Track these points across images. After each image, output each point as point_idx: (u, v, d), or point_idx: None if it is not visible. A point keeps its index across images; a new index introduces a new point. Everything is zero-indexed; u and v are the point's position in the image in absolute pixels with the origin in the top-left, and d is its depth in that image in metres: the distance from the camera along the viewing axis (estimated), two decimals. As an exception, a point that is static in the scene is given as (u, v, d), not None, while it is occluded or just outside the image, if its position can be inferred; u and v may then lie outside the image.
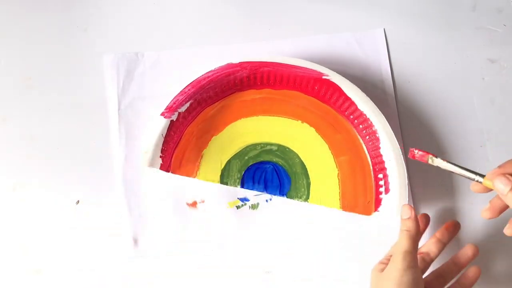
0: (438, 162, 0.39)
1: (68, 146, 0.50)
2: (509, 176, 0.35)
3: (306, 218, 0.49)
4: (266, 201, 0.49)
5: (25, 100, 0.51)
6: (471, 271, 0.44)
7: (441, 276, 0.44)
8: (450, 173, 0.40)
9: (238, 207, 0.49)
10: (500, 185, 0.35)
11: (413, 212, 0.42)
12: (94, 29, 0.53)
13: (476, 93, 0.53)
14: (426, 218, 0.47)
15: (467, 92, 0.53)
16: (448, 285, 0.44)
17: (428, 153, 0.40)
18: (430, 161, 0.40)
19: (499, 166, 0.36)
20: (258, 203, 0.49)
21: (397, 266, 0.38)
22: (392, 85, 0.52)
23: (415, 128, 0.52)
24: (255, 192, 0.49)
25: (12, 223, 0.48)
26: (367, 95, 0.48)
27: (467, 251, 0.45)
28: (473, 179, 0.37)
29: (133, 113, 0.51)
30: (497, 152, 0.51)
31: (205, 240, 0.48)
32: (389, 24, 0.54)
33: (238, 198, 0.49)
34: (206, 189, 0.49)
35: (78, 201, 0.49)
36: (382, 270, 0.40)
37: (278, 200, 0.49)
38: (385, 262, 0.42)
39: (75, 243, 0.48)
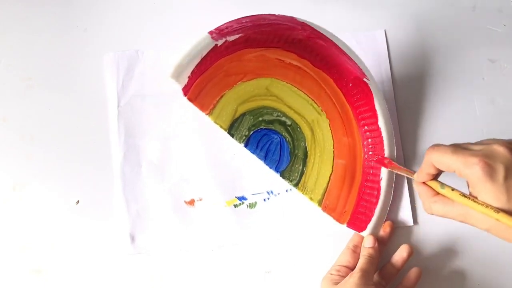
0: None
1: (68, 146, 0.50)
2: (418, 187, 0.40)
3: (304, 218, 0.49)
4: (264, 200, 0.49)
5: (25, 100, 0.51)
6: (413, 272, 0.46)
7: (382, 279, 0.46)
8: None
9: (235, 205, 0.49)
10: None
11: (376, 243, 0.45)
12: (94, 29, 0.53)
13: (476, 93, 0.53)
14: (390, 226, 0.48)
15: (467, 92, 0.53)
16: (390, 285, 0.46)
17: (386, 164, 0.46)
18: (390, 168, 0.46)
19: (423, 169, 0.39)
20: (256, 202, 0.49)
21: (356, 281, 0.41)
22: (392, 86, 0.52)
23: (415, 128, 0.52)
24: (253, 191, 0.49)
25: (12, 223, 0.48)
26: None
27: (402, 252, 0.47)
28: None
29: (132, 111, 0.51)
30: (497, 152, 0.51)
31: (203, 239, 0.48)
32: (390, 25, 0.54)
33: (236, 197, 0.49)
34: (204, 188, 0.49)
35: (78, 201, 0.49)
36: (336, 282, 0.43)
37: (276, 199, 0.49)
38: (336, 273, 0.44)
39: (75, 243, 0.48)
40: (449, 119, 0.52)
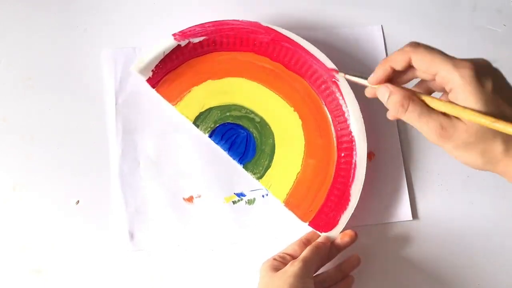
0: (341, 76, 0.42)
1: (68, 146, 0.50)
2: (389, 85, 0.35)
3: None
4: (263, 196, 0.50)
5: (25, 100, 0.51)
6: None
7: (324, 281, 0.45)
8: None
9: (234, 202, 0.49)
10: (380, 94, 0.36)
11: (328, 244, 0.45)
12: (94, 30, 0.53)
13: (476, 93, 0.53)
14: (350, 236, 0.46)
15: (467, 92, 0.53)
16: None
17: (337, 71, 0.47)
18: (340, 76, 0.45)
19: (384, 62, 0.35)
20: (254, 198, 0.49)
21: (296, 271, 0.40)
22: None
23: (411, 127, 0.51)
24: (252, 187, 0.50)
25: (12, 223, 0.48)
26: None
27: (353, 261, 0.46)
28: (365, 84, 0.38)
29: (129, 108, 0.51)
30: (497, 152, 0.51)
31: (202, 236, 0.48)
32: (389, 23, 0.54)
33: (234, 193, 0.49)
34: (202, 184, 0.49)
35: (78, 201, 0.49)
36: (276, 268, 0.42)
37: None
38: (279, 260, 0.43)
39: (75, 243, 0.48)
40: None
